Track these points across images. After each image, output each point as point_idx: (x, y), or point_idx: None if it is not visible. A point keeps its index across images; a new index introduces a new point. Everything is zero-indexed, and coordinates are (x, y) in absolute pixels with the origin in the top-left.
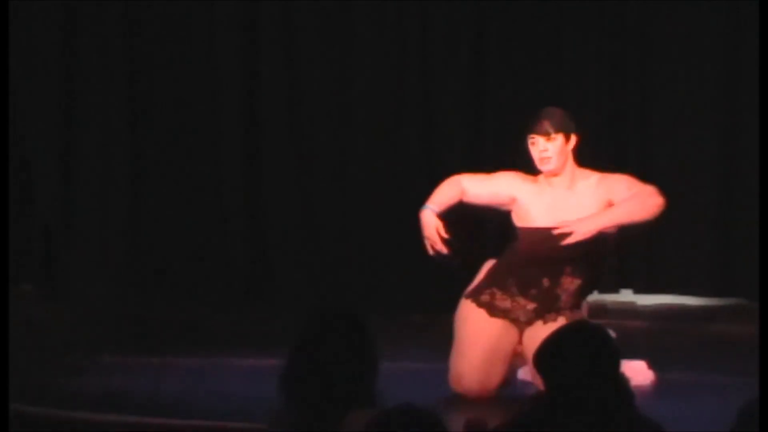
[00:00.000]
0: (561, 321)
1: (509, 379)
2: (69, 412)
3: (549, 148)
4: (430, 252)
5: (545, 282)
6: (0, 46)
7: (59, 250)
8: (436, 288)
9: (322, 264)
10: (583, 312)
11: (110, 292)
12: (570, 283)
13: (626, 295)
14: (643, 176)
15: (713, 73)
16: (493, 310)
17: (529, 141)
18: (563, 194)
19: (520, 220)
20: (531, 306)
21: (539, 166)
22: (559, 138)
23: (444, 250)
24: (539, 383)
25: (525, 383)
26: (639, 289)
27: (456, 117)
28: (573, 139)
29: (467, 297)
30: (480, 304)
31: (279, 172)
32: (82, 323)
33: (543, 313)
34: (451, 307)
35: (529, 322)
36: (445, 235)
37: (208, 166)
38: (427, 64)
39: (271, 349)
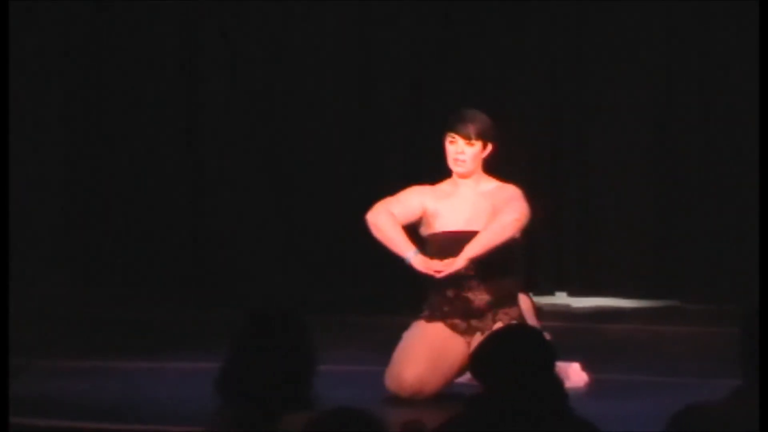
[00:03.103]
0: (498, 326)
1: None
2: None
3: (466, 151)
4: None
5: (449, 293)
6: (0, 46)
7: None
8: (374, 289)
9: (263, 264)
10: (526, 313)
11: (49, 294)
12: (472, 284)
13: (561, 298)
14: (578, 180)
15: (649, 76)
16: (433, 318)
17: (448, 138)
18: (466, 197)
19: (427, 228)
20: (456, 320)
21: (452, 165)
22: (478, 144)
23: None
24: (476, 385)
25: (462, 385)
26: (573, 292)
27: (395, 120)
28: (489, 147)
29: (414, 321)
30: (420, 318)
31: (220, 171)
32: (17, 326)
33: (467, 320)
34: (389, 308)
35: (468, 333)
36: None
37: (148, 164)
38: (366, 68)
39: (209, 352)
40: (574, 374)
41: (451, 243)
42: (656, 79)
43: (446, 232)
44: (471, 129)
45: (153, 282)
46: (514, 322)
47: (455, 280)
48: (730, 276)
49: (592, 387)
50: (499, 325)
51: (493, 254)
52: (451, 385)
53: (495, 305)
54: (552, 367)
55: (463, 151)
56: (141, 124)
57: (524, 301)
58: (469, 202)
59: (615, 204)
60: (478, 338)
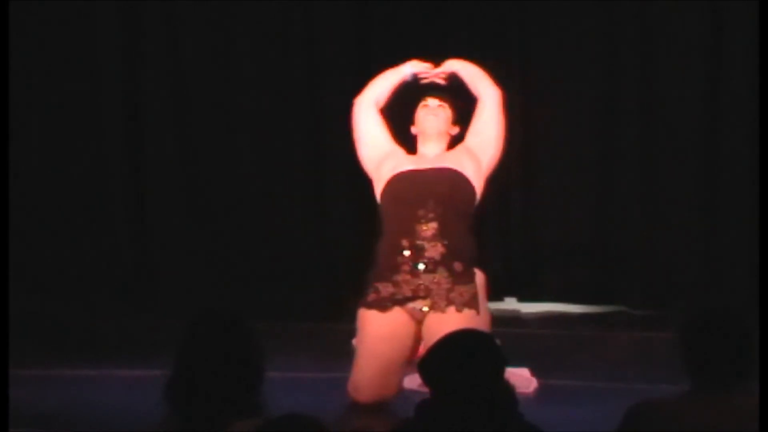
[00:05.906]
0: (451, 311)
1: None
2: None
3: (439, 110)
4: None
5: (404, 243)
6: (0, 46)
7: None
8: (323, 296)
9: (208, 271)
10: (480, 291)
11: None
12: (425, 230)
13: (511, 303)
14: (526, 186)
15: (594, 76)
16: (382, 304)
17: (422, 104)
18: (430, 155)
19: (382, 180)
20: (406, 277)
21: (424, 122)
22: (449, 111)
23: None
24: (425, 391)
25: (411, 392)
26: (523, 298)
27: (336, 127)
28: (456, 128)
29: (360, 307)
30: (369, 306)
31: (162, 175)
32: None
33: (418, 271)
34: (339, 316)
35: (416, 298)
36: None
37: (88, 167)
38: (311, 67)
39: (155, 359)
40: (523, 380)
41: (408, 184)
42: (598, 88)
43: (403, 171)
44: (444, 93)
45: (97, 290)
46: (465, 309)
47: (410, 227)
48: (676, 282)
49: (541, 392)
50: (452, 309)
51: (451, 208)
52: (401, 391)
53: (449, 258)
54: (502, 372)
55: (436, 106)
56: (81, 129)
57: (480, 278)
58: (427, 157)
59: (563, 210)
60: (431, 316)
